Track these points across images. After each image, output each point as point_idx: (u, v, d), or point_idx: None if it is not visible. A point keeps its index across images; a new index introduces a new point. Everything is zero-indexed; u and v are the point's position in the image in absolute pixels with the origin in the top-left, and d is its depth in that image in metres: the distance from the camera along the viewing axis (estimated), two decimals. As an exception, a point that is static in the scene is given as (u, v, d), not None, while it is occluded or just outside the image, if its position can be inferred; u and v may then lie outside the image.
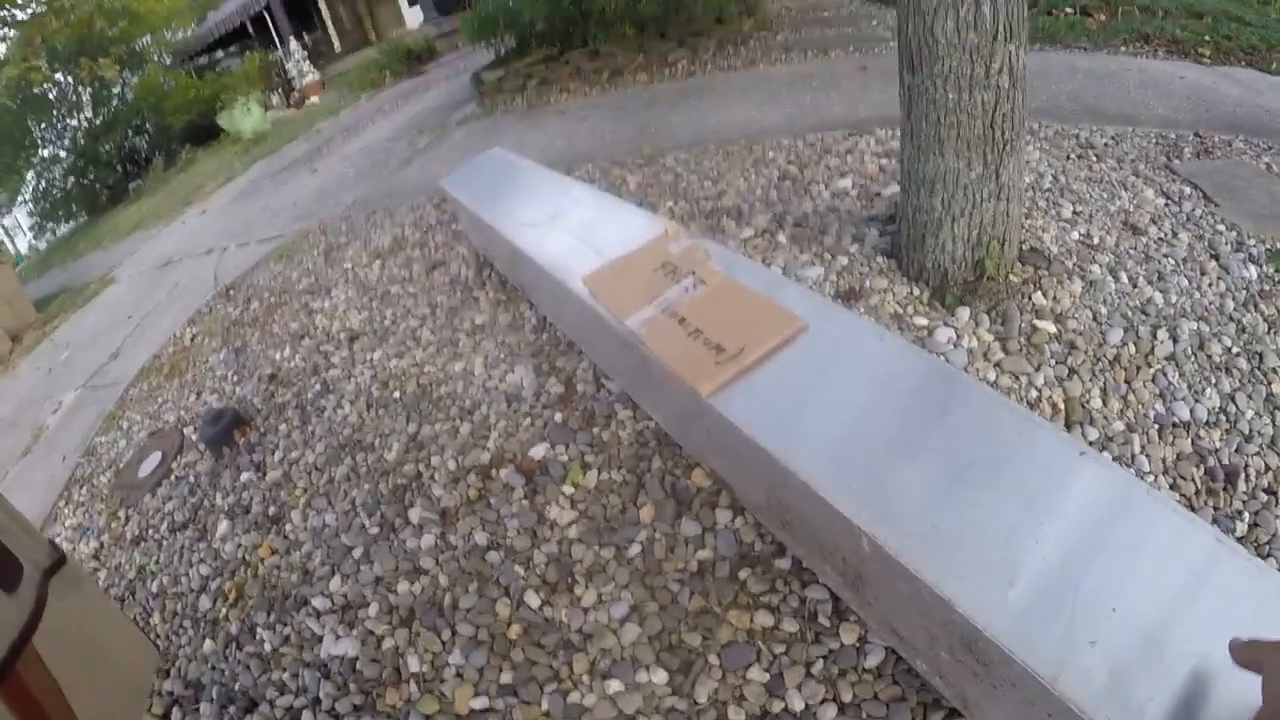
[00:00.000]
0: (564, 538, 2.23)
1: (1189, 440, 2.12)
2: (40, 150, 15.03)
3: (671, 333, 2.00)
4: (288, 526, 2.69)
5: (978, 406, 1.55)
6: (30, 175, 15.39)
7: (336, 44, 16.97)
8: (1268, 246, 2.86)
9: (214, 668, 2.33)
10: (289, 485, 2.89)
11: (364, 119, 10.14)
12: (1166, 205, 3.19)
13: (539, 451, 2.53)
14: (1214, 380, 2.29)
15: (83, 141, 14.78)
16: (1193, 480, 2.01)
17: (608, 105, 6.50)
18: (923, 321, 2.56)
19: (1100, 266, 2.74)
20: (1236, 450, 2.09)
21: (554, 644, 1.97)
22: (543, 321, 3.19)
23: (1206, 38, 5.73)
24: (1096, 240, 2.92)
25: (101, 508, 3.51)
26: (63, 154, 14.88)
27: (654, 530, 2.14)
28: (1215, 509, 1.94)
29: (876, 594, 1.55)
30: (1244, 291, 2.63)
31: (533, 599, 2.08)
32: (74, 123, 14.97)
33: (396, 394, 3.14)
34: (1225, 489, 1.99)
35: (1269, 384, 2.27)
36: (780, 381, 1.75)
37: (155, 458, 3.58)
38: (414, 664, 2.05)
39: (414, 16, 16.71)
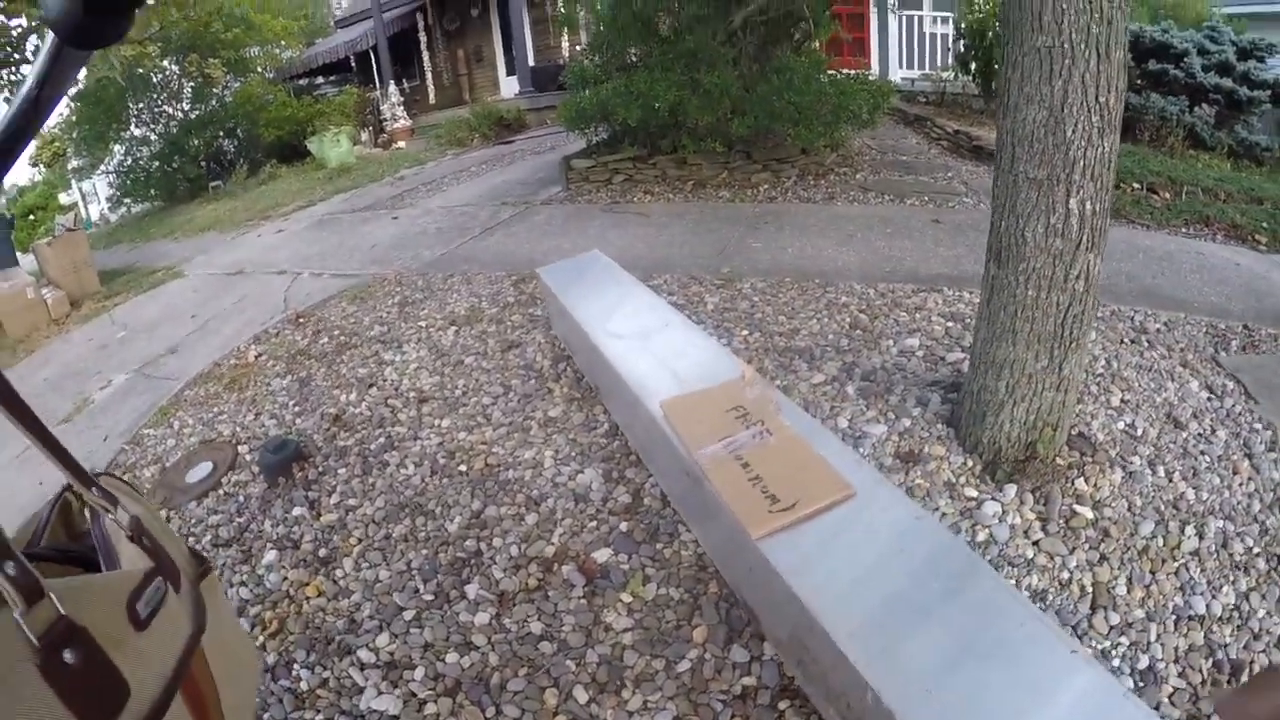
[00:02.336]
0: (618, 642, 2.31)
1: (1202, 633, 2.21)
2: (132, 127, 15.45)
3: (734, 474, 2.18)
4: (338, 572, 2.78)
5: (992, 593, 1.73)
6: (118, 149, 15.81)
7: (432, 95, 17.57)
8: None
9: None
10: (343, 531, 2.98)
11: (449, 176, 10.43)
12: (1209, 399, 3.32)
13: (602, 555, 2.63)
14: (1232, 578, 2.39)
15: (174, 130, 15.23)
16: (1200, 671, 2.11)
17: (689, 216, 6.71)
18: (973, 493, 2.69)
19: (1141, 458, 2.87)
20: (1245, 646, 2.18)
21: (597, 743, 2.04)
22: (615, 428, 3.31)
23: (1264, 224, 5.96)
24: (1140, 431, 3.04)
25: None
26: (153, 137, 15.29)
27: (704, 650, 2.23)
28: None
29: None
30: (1271, 493, 2.75)
31: (581, 694, 2.16)
32: (170, 110, 15.45)
33: (463, 467, 3.24)
34: (1229, 681, 2.09)
35: None
36: (822, 539, 1.94)
37: (205, 467, 3.67)
38: (453, 734, 2.11)
39: (509, 86, 17.28)
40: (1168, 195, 6.74)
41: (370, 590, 2.66)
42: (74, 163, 18.70)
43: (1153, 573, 2.40)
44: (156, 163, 15.07)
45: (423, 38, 17.67)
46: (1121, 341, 3.86)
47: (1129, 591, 2.33)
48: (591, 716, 2.11)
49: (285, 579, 2.80)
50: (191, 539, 3.18)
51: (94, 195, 20.42)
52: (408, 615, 2.53)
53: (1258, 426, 3.13)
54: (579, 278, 3.93)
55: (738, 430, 2.36)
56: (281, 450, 3.42)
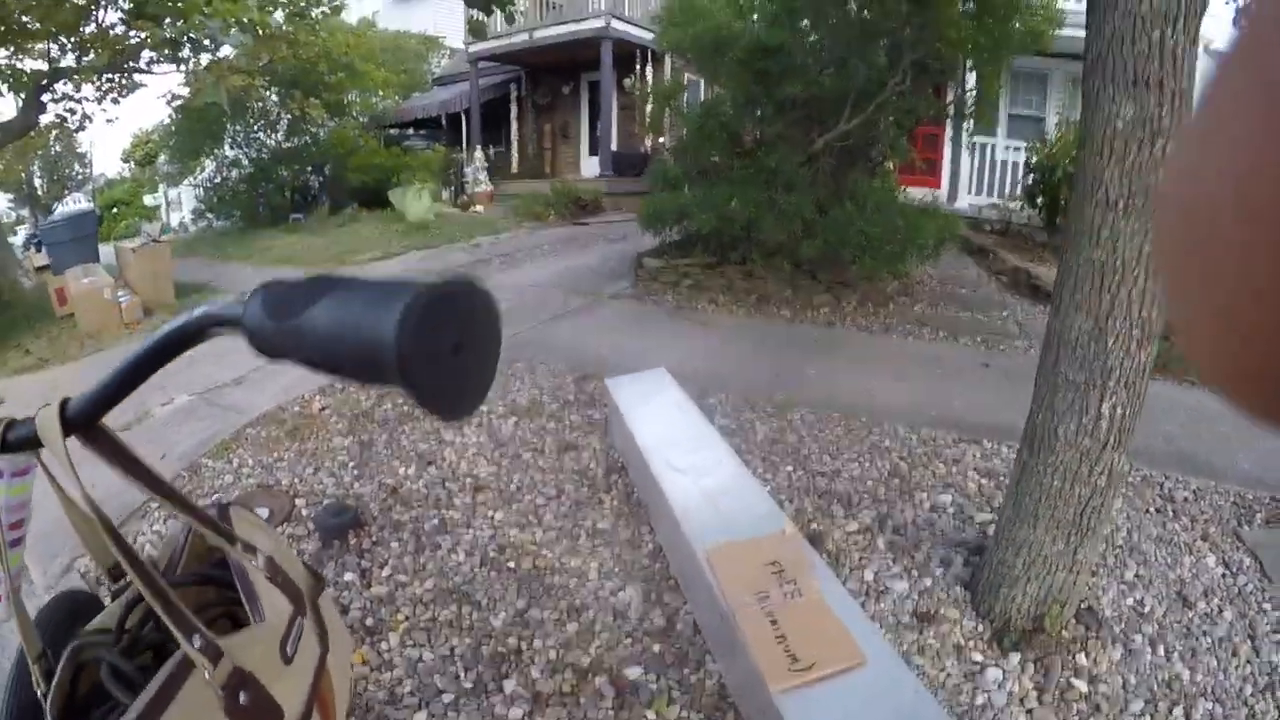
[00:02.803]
0: None
1: None
2: (226, 147, 16.10)
3: (763, 630, 2.37)
4: (383, 645, 2.92)
5: None
6: (210, 164, 16.46)
7: (515, 164, 18.10)
8: None
9: None
10: (391, 606, 3.13)
11: (523, 253, 10.77)
12: (1223, 576, 3.39)
13: (633, 672, 2.77)
14: None
15: (266, 157, 15.86)
16: None
17: (750, 334, 6.89)
18: (979, 658, 2.81)
19: (1143, 636, 2.96)
20: None
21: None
22: (658, 549, 3.46)
23: None
24: (1148, 609, 3.12)
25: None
26: (245, 160, 15.93)
27: None
28: None
29: None
30: (1266, 677, 2.82)
31: None
32: (265, 138, 16.09)
33: (512, 564, 3.39)
34: None
35: None
36: (830, 700, 2.13)
37: (262, 513, 3.82)
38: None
39: (589, 166, 17.80)
40: None
41: (413, 668, 2.81)
42: (165, 168, 19.45)
43: None
44: (244, 185, 15.65)
45: (514, 108, 18.31)
46: (1147, 511, 3.94)
47: None
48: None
49: None
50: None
51: (178, 203, 21.17)
52: (446, 699, 2.67)
53: (1266, 606, 3.20)
54: (644, 395, 4.13)
55: (771, 586, 2.56)
56: (341, 515, 3.59)
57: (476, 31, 5.51)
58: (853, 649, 2.27)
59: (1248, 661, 2.91)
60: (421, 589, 3.24)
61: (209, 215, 16.69)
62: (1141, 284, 2.46)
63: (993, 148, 13.28)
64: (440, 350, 0.67)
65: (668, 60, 14.90)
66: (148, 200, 24.37)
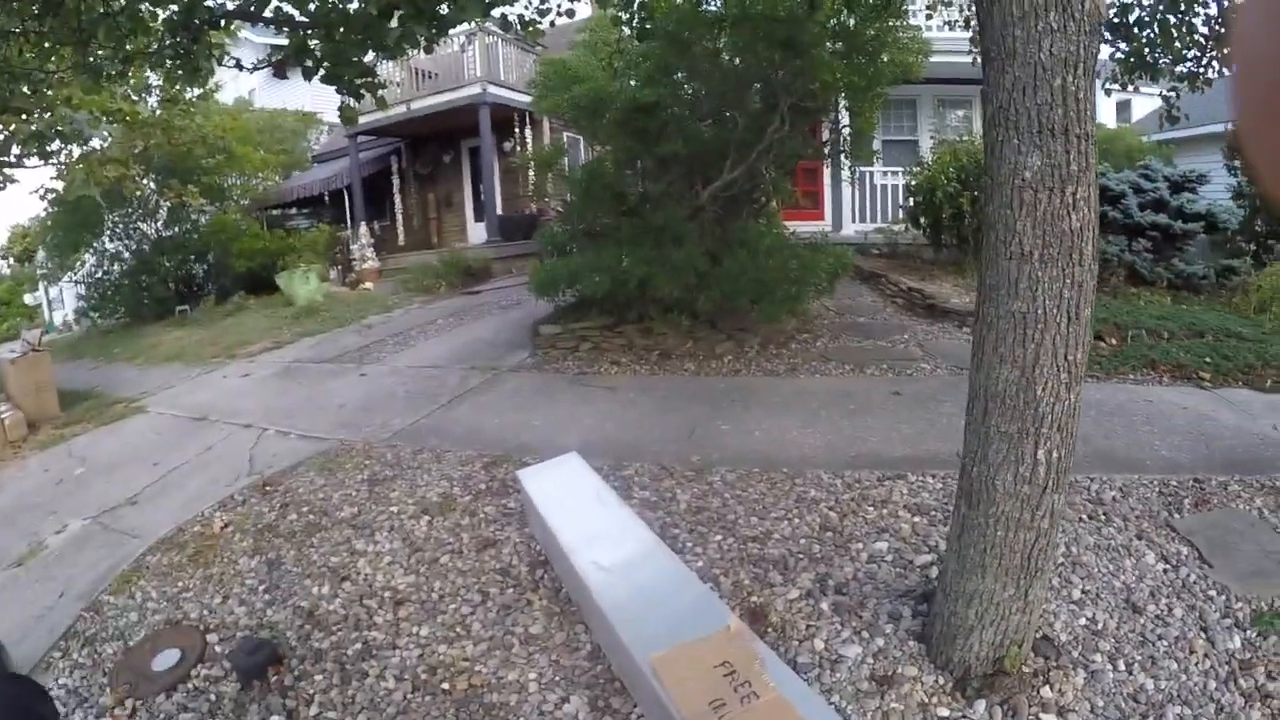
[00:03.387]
0: None
1: None
2: (106, 240, 15.57)
3: None
4: None
5: None
6: (90, 259, 15.87)
7: (401, 237, 17.90)
8: (1253, 607, 3.20)
9: None
10: None
11: (415, 330, 10.61)
12: (1165, 571, 3.53)
13: None
14: None
15: (146, 249, 15.37)
16: None
17: (656, 392, 6.90)
18: (945, 713, 2.81)
19: (1102, 654, 3.03)
20: None
21: None
22: (597, 650, 3.37)
23: (1207, 359, 6.36)
24: (1100, 625, 3.20)
25: (104, 681, 3.55)
26: (126, 253, 15.40)
27: None
28: None
29: None
30: (1225, 667, 2.93)
31: None
32: (145, 229, 15.60)
33: (445, 685, 3.27)
34: None
35: None
36: None
37: (172, 654, 3.64)
38: None
39: (476, 232, 17.76)
40: (1114, 341, 7.14)
41: None
42: (44, 265, 18.70)
43: None
44: (126, 279, 15.14)
45: (396, 180, 18.15)
46: (1080, 519, 4.06)
47: None
48: None
49: None
50: (161, 740, 3.18)
51: (59, 301, 20.31)
52: None
53: (1211, 593, 3.35)
54: (559, 485, 4.09)
55: (726, 692, 2.49)
56: (257, 652, 3.44)
57: (349, 119, 5.45)
58: None
59: (1205, 655, 3.01)
60: None
61: (92, 314, 16.02)
62: (1064, 329, 2.52)
63: (872, 175, 13.77)
64: None
65: (546, 121, 15.06)
66: (28, 299, 23.36)
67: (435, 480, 5.22)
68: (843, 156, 9.84)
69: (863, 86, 8.18)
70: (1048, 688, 2.87)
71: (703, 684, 2.54)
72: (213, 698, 3.36)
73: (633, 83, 8.02)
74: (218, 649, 3.68)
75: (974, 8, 2.65)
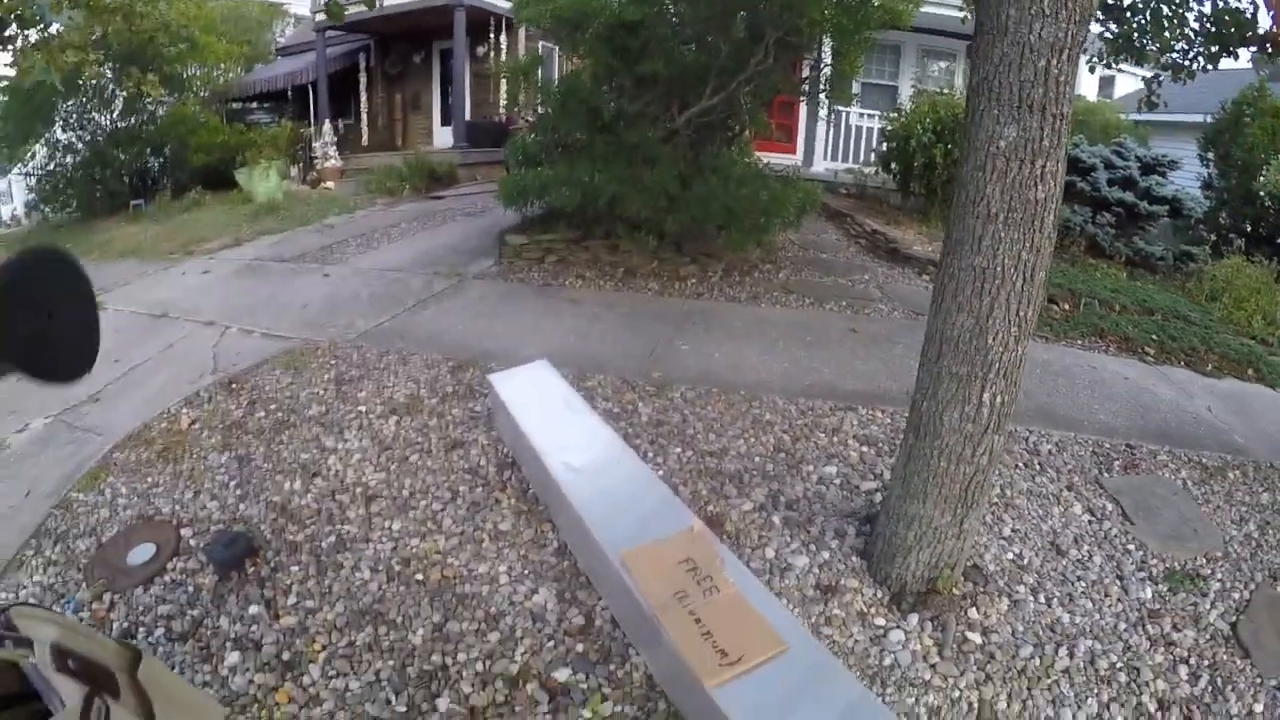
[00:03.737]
0: None
1: None
2: (58, 131, 14.99)
3: (688, 628, 2.56)
4: (305, 679, 2.93)
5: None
6: (41, 151, 15.31)
7: (365, 138, 17.50)
8: (1167, 566, 3.53)
9: None
10: (305, 635, 3.13)
11: (379, 232, 10.48)
12: (1090, 523, 3.83)
13: (562, 674, 2.89)
14: (1096, 691, 2.87)
15: (101, 140, 14.86)
16: None
17: (620, 308, 6.98)
18: (881, 622, 3.09)
19: (1025, 586, 3.33)
20: None
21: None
22: (563, 547, 3.55)
23: (1154, 336, 6.62)
24: (1026, 561, 3.50)
25: (78, 578, 3.60)
26: (79, 145, 14.87)
27: None
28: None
29: None
30: (1136, 612, 3.25)
31: None
32: (99, 119, 15.06)
33: (419, 576, 3.42)
34: None
35: (1139, 695, 2.87)
36: (760, 687, 2.37)
37: (148, 549, 3.70)
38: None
39: (442, 137, 17.41)
40: (1067, 307, 7.37)
41: (342, 699, 2.85)
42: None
43: (1029, 689, 2.86)
44: (80, 171, 14.65)
45: (363, 78, 17.62)
46: (1016, 466, 4.33)
47: (1009, 706, 2.78)
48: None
49: (251, 682, 2.93)
50: (141, 628, 3.25)
51: (7, 196, 19.59)
52: None
53: (1130, 548, 3.66)
54: (528, 391, 4.20)
55: (689, 584, 2.74)
56: (233, 544, 3.53)
57: (335, 15, 5.32)
58: (774, 637, 2.51)
59: (1119, 600, 3.32)
60: (333, 614, 3.24)
61: (43, 208, 15.49)
62: (1019, 287, 2.72)
63: (848, 116, 13.66)
64: (37, 322, 0.69)
65: (522, 29, 14.69)
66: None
67: (402, 382, 5.27)
68: (821, 95, 9.77)
69: (850, 29, 8.12)
70: (974, 610, 3.16)
71: (668, 578, 2.76)
72: (190, 589, 3.44)
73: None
74: (192, 543, 3.74)
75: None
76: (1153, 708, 2.84)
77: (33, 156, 15.82)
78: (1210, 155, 11.01)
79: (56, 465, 4.66)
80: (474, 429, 4.60)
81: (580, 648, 3.02)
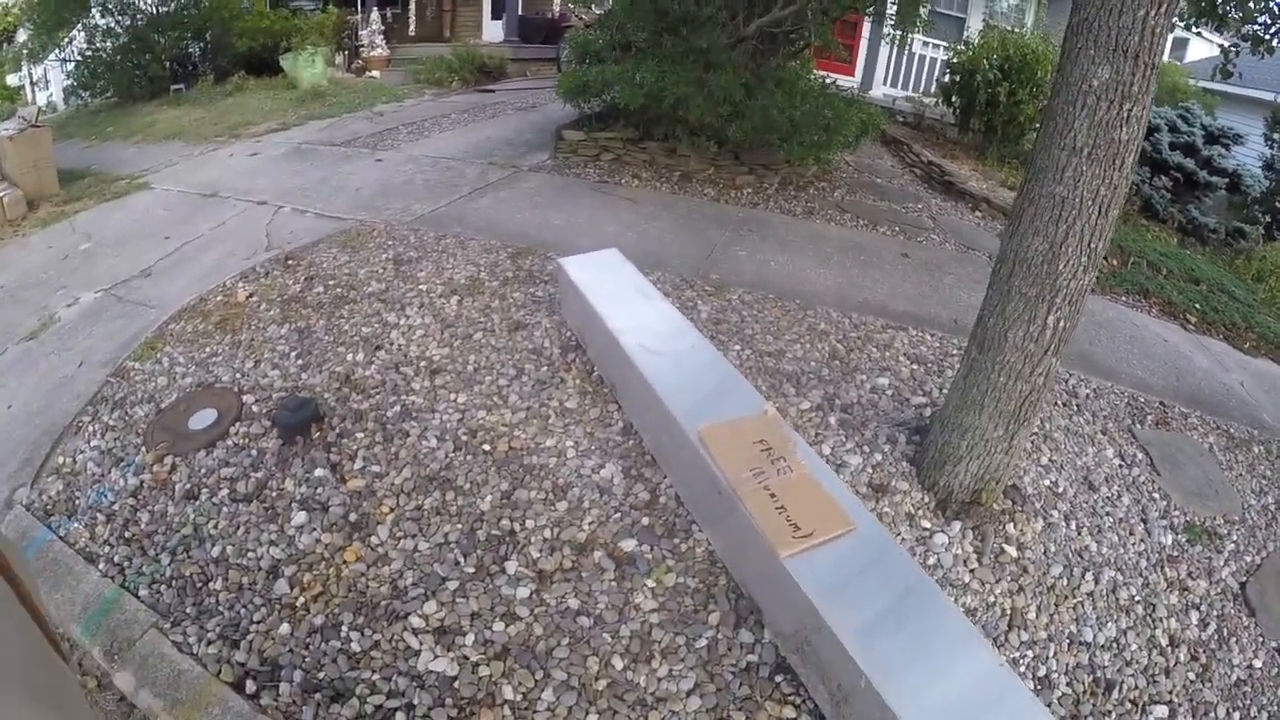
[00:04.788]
0: (646, 620, 2.69)
1: (1087, 656, 2.83)
2: (96, 16, 14.71)
3: (763, 502, 2.62)
4: (373, 539, 2.96)
5: (943, 611, 2.37)
6: (80, 37, 15.06)
7: (412, 27, 17.10)
8: (1187, 519, 3.65)
9: (292, 651, 2.58)
10: (373, 499, 3.15)
11: (429, 121, 10.31)
12: (1120, 466, 3.88)
13: (628, 545, 2.95)
14: (1115, 617, 3.00)
15: (141, 24, 14.60)
16: (1084, 683, 2.73)
17: (676, 210, 6.85)
18: (927, 525, 3.17)
19: (1058, 513, 3.41)
20: (1118, 670, 2.81)
21: (634, 700, 2.43)
22: (629, 427, 3.56)
23: (1197, 305, 6.51)
24: (1061, 490, 3.57)
25: (138, 442, 3.64)
26: (119, 30, 14.61)
27: (717, 631, 2.66)
28: (1094, 708, 2.69)
29: (857, 714, 2.24)
30: (1156, 555, 3.36)
31: (617, 662, 2.54)
32: (140, 2, 14.76)
33: (486, 446, 3.43)
34: (1104, 694, 2.71)
35: (1153, 629, 3.02)
36: (831, 562, 2.46)
37: (209, 414, 3.71)
38: (508, 693, 2.44)
39: (491, 30, 17.00)
40: (1115, 263, 7.23)
41: (411, 560, 2.88)
42: (23, 40, 17.73)
43: (1056, 605, 2.97)
44: (119, 56, 14.42)
45: (412, -34, 17.21)
46: (1056, 404, 4.33)
47: (1037, 617, 2.90)
48: (628, 681, 2.49)
49: (319, 541, 2.97)
50: (204, 489, 3.26)
51: (44, 81, 19.34)
52: (451, 586, 2.78)
53: (1155, 496, 3.72)
54: (601, 276, 4.13)
55: (764, 463, 2.79)
56: (300, 410, 3.51)
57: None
58: (842, 517, 2.58)
59: (1141, 540, 3.41)
60: (400, 479, 3.25)
61: (82, 92, 15.26)
62: (1093, 220, 2.81)
63: (911, 42, 13.17)
64: None
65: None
66: (10, 80, 22.31)
67: (461, 265, 5.21)
68: (888, 17, 9.38)
69: None
70: (1012, 525, 3.24)
71: (744, 455, 2.82)
72: (254, 453, 3.45)
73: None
74: (255, 409, 3.75)
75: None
76: (1164, 642, 2.98)
77: (69, 42, 15.58)
78: (1277, 136, 10.64)
79: (109, 337, 4.68)
80: (536, 312, 4.54)
81: (646, 521, 3.07)
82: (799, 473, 2.77)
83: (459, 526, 3.01)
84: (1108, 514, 3.51)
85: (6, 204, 7.56)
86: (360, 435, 3.49)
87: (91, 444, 3.68)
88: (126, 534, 3.14)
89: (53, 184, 8.36)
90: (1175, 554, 3.39)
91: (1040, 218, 2.87)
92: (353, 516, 3.05)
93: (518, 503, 3.13)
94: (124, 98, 14.47)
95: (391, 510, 3.08)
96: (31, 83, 19.71)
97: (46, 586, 2.91)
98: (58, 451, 3.70)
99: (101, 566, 3.02)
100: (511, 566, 2.84)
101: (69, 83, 15.54)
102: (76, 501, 3.35)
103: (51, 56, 16.52)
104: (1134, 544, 3.38)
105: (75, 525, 3.22)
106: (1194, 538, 3.53)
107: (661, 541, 2.97)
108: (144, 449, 3.56)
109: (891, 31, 9.89)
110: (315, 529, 3.00)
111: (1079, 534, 3.33)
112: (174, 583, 2.90)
